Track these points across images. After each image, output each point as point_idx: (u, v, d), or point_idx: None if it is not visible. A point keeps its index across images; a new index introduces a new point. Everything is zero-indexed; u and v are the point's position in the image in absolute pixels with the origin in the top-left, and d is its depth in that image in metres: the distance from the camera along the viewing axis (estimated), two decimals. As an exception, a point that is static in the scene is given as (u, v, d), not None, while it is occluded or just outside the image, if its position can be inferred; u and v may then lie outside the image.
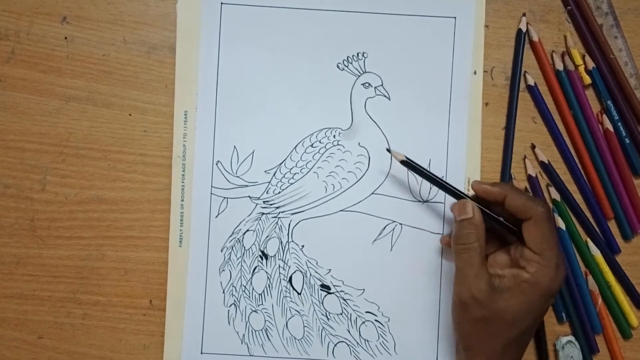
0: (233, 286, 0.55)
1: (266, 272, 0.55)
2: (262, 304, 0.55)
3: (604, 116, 0.56)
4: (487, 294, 0.47)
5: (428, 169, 0.52)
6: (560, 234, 0.55)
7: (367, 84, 0.55)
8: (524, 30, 0.55)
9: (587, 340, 0.55)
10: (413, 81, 0.55)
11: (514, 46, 0.56)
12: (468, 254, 0.48)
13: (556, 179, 0.55)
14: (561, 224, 0.55)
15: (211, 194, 0.55)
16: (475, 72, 0.55)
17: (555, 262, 0.47)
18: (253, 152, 0.55)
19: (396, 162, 0.55)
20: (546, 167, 0.55)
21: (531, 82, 0.55)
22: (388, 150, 0.54)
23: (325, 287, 0.55)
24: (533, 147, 0.56)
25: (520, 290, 0.47)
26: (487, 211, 0.50)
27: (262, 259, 0.55)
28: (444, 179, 0.53)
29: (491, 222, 0.50)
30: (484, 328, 0.48)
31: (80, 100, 0.56)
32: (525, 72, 0.56)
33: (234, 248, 0.55)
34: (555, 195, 0.55)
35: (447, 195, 0.53)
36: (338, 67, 0.55)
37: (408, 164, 0.52)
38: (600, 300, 0.55)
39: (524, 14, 0.56)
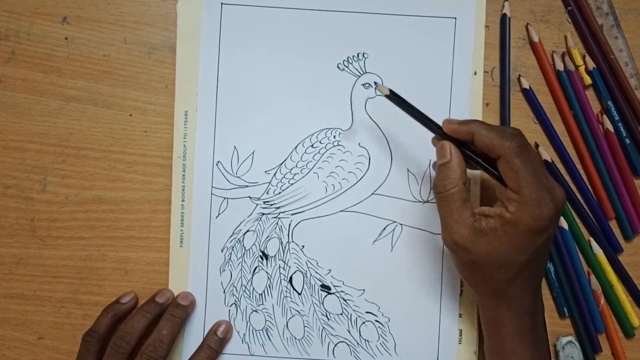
0: (234, 286, 0.55)
1: (266, 272, 0.55)
2: (262, 304, 0.55)
3: (605, 116, 0.56)
4: (470, 239, 0.45)
5: (412, 105, 0.49)
6: (563, 234, 0.55)
7: (367, 85, 0.55)
8: (509, 15, 0.55)
9: (590, 339, 0.55)
10: (413, 82, 0.55)
11: (500, 34, 0.56)
12: (446, 200, 0.47)
13: (560, 179, 0.55)
14: (564, 224, 0.55)
15: (211, 194, 0.55)
16: (475, 73, 0.55)
17: (536, 197, 0.44)
18: (253, 153, 0.55)
19: (397, 163, 0.55)
20: (550, 166, 0.55)
21: (526, 85, 0.55)
22: (375, 84, 0.54)
23: (325, 288, 0.55)
24: (537, 146, 0.56)
25: (504, 231, 0.45)
26: (468, 152, 0.48)
27: (262, 259, 0.55)
28: (435, 122, 0.50)
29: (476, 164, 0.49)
30: (477, 271, 0.47)
31: (80, 101, 0.56)
32: (519, 75, 0.56)
33: (234, 248, 0.55)
34: (557, 195, 0.55)
35: None
36: (338, 67, 0.55)
37: (393, 97, 0.49)
38: (602, 300, 0.55)
39: None
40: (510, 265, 0.45)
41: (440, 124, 0.49)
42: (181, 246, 0.55)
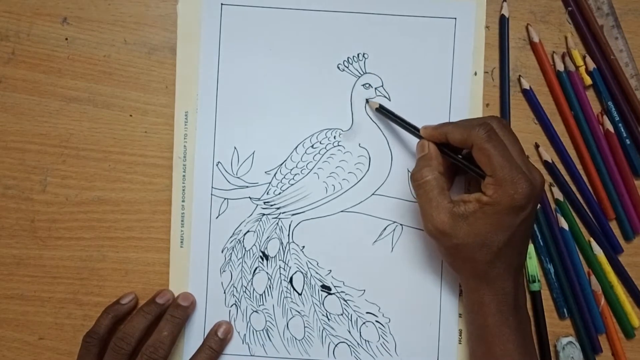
0: (234, 287, 0.55)
1: (267, 272, 0.55)
2: (263, 305, 0.55)
3: (605, 117, 0.56)
4: (450, 224, 0.47)
5: (401, 116, 0.53)
6: (563, 234, 0.55)
7: (367, 85, 0.55)
8: (507, 16, 0.55)
9: (590, 340, 0.55)
10: (413, 82, 0.55)
11: (499, 35, 0.56)
12: (424, 188, 0.49)
13: (560, 179, 0.55)
14: (564, 224, 0.55)
15: (212, 194, 0.55)
16: (475, 73, 0.55)
17: (510, 177, 0.46)
18: (253, 153, 0.55)
19: (397, 163, 0.55)
20: (550, 167, 0.55)
21: (526, 85, 0.55)
22: (367, 101, 0.55)
23: (325, 288, 0.55)
24: (537, 146, 0.56)
25: (483, 212, 0.47)
26: (449, 153, 0.50)
27: (262, 260, 0.55)
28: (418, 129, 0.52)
29: (462, 164, 0.50)
30: (459, 254, 0.49)
31: (80, 101, 0.56)
32: (520, 76, 0.56)
33: (234, 249, 0.55)
34: (558, 195, 0.55)
35: None
36: (338, 68, 0.55)
37: (382, 111, 0.54)
38: (603, 300, 0.55)
39: (505, 0, 0.56)
40: (491, 245, 0.47)
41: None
42: (181, 247, 0.55)
